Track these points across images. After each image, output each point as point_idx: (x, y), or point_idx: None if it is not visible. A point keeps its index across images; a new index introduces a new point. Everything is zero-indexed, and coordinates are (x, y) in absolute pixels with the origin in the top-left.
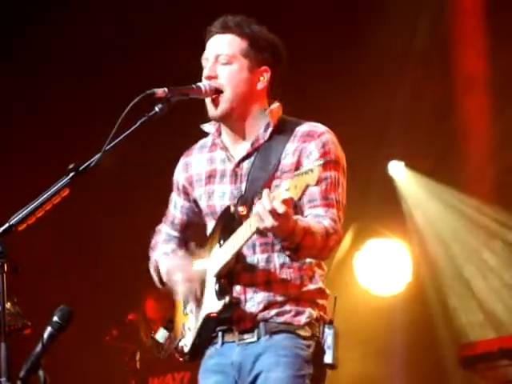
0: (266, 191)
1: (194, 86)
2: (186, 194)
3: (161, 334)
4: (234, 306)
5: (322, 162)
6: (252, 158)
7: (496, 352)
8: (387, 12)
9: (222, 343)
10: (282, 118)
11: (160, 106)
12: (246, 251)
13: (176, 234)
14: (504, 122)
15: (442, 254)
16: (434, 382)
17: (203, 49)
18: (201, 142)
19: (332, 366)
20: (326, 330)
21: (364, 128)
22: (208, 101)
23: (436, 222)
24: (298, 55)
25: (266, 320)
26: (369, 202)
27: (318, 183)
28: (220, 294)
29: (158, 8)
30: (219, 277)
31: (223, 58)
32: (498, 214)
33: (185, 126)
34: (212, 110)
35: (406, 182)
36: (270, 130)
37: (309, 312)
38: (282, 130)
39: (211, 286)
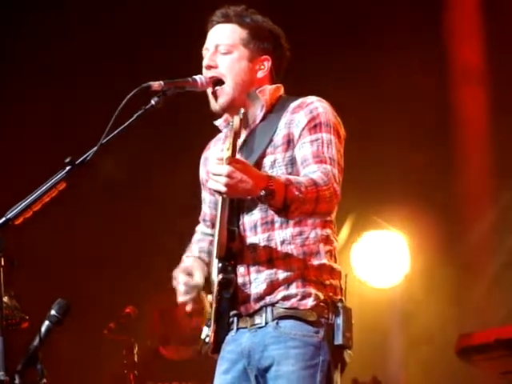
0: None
1: (189, 78)
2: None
3: (205, 332)
4: (229, 283)
5: (242, 112)
6: (248, 140)
7: (493, 343)
8: (385, 8)
9: (237, 329)
10: (281, 98)
11: (156, 99)
12: (249, 233)
13: (209, 230)
14: (503, 119)
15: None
16: (432, 373)
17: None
18: (218, 136)
19: (343, 347)
20: (335, 310)
21: (362, 121)
22: (209, 94)
23: None
24: (297, 55)
25: (272, 304)
26: (366, 193)
27: (310, 144)
28: (217, 275)
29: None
30: (219, 258)
31: (223, 47)
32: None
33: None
34: (213, 103)
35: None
36: (264, 109)
37: (315, 294)
38: (278, 108)
39: (215, 269)
